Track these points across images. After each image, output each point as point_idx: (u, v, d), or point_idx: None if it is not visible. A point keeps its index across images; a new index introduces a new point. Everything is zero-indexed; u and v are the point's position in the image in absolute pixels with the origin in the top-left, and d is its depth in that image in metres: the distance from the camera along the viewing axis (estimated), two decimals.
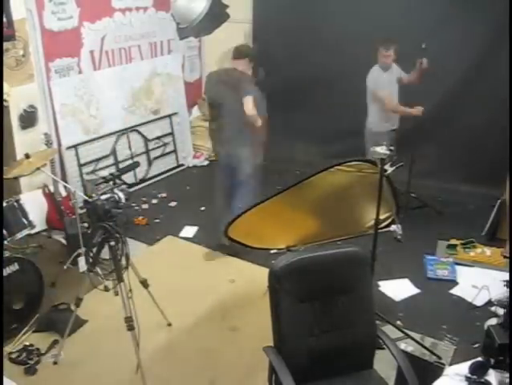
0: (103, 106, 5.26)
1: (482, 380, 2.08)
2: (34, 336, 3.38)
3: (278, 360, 2.23)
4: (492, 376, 2.10)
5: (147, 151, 5.77)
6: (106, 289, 3.53)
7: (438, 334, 3.33)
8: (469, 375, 2.10)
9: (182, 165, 6.15)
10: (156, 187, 5.65)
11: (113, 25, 5.20)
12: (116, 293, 2.99)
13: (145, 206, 5.20)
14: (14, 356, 3.19)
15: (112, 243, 2.88)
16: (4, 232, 3.46)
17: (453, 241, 4.36)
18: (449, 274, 4.00)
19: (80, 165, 5.10)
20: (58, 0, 4.58)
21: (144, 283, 3.27)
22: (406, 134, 4.66)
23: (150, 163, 5.80)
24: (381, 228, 3.34)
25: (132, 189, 5.06)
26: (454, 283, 3.93)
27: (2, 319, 3.12)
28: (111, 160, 5.39)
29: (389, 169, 3.07)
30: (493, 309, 3.56)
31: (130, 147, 5.58)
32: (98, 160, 5.26)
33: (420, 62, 4.43)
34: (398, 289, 3.86)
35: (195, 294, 3.85)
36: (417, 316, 3.56)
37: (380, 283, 3.87)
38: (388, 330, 3.10)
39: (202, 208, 5.10)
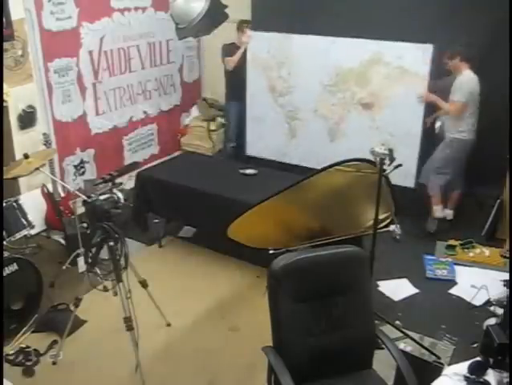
0: None
1: (481, 380, 2.08)
2: (33, 336, 3.38)
3: (277, 360, 2.23)
4: (491, 376, 2.10)
5: None
6: (105, 289, 3.52)
7: (437, 334, 3.33)
8: (467, 375, 2.09)
9: None
10: None
11: (112, 25, 5.19)
12: (115, 294, 2.99)
13: None
14: (11, 358, 3.18)
15: (111, 243, 2.88)
16: (3, 232, 3.46)
17: (452, 242, 4.37)
18: (448, 274, 4.01)
19: None
20: (57, 0, 4.57)
21: (143, 283, 3.27)
22: None
23: None
24: (380, 228, 3.34)
25: None
26: (453, 283, 3.94)
27: (2, 319, 3.11)
28: None
29: (388, 169, 3.07)
30: (492, 308, 3.57)
31: None
32: None
33: None
34: (397, 289, 3.86)
35: (194, 294, 3.85)
36: (416, 316, 3.56)
37: (379, 283, 3.87)
38: (387, 329, 3.10)
39: None
